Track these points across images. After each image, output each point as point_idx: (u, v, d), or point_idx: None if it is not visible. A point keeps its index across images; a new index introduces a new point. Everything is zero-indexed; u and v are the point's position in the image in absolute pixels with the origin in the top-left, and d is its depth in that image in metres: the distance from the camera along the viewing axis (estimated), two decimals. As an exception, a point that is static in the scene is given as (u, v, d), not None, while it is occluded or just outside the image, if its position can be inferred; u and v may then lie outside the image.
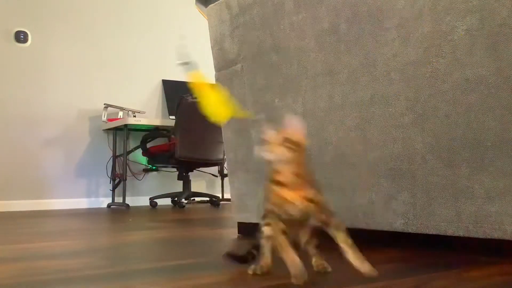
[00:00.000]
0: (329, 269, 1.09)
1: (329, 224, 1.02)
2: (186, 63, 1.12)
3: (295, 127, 0.98)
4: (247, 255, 1.12)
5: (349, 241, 1.02)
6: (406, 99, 1.36)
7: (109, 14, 4.47)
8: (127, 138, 4.02)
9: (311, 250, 1.11)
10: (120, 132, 4.15)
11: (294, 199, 0.98)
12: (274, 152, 0.95)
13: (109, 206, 4.19)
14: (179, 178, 4.17)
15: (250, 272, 1.05)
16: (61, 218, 2.98)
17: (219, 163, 4.23)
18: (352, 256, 1.00)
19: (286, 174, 0.97)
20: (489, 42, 1.19)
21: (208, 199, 4.31)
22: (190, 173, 4.20)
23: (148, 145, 4.09)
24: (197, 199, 4.51)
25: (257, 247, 1.09)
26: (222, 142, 1.93)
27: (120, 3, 4.52)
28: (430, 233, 1.35)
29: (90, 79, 4.32)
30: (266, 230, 1.03)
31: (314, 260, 1.11)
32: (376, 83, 1.42)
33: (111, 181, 4.24)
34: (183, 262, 1.13)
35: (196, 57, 4.94)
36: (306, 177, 0.99)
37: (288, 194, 0.98)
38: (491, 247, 1.50)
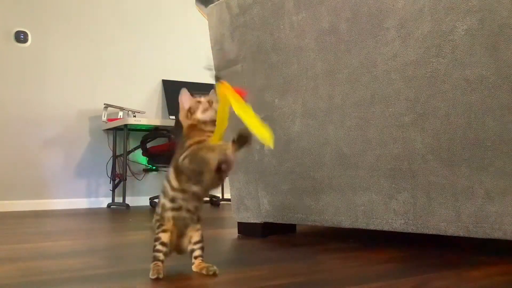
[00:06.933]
0: (217, 271, 1.08)
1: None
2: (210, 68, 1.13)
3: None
4: None
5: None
6: (406, 99, 1.36)
7: (109, 14, 4.47)
8: (127, 138, 4.02)
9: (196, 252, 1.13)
10: (120, 132, 4.15)
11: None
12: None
13: (109, 206, 4.19)
14: (179, 178, 4.17)
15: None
16: (61, 218, 2.98)
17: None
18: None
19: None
20: (489, 42, 1.19)
21: (208, 199, 4.32)
22: (190, 173, 4.19)
23: (148, 145, 4.09)
24: (197, 199, 4.49)
25: None
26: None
27: (120, 3, 4.52)
28: (430, 233, 1.35)
29: (90, 79, 4.32)
30: (163, 237, 1.08)
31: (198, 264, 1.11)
32: (376, 83, 1.42)
33: (111, 181, 4.24)
34: (183, 262, 1.13)
35: (196, 58, 4.91)
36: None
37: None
38: (491, 247, 1.51)
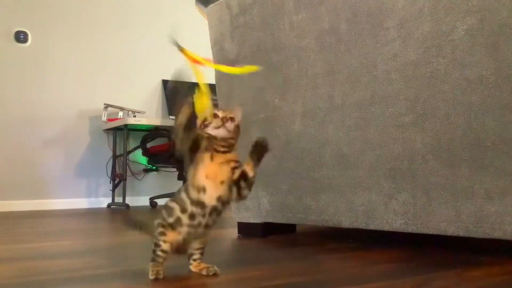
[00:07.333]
0: (218, 272, 1.08)
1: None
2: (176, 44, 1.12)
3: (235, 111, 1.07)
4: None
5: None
6: (406, 99, 1.36)
7: (109, 14, 4.47)
8: (127, 138, 4.02)
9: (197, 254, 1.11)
10: (120, 132, 4.15)
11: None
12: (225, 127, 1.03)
13: (109, 206, 4.19)
14: (179, 178, 4.17)
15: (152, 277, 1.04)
16: (61, 218, 2.98)
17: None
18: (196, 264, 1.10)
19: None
20: (489, 42, 1.19)
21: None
22: (190, 173, 4.19)
23: (148, 145, 4.09)
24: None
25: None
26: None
27: (120, 3, 4.52)
28: (430, 233, 1.35)
29: (90, 79, 4.32)
30: (164, 245, 1.06)
31: (196, 264, 1.11)
32: (376, 83, 1.42)
33: (111, 181, 4.24)
34: (183, 262, 1.13)
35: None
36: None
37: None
38: (491, 247, 1.51)
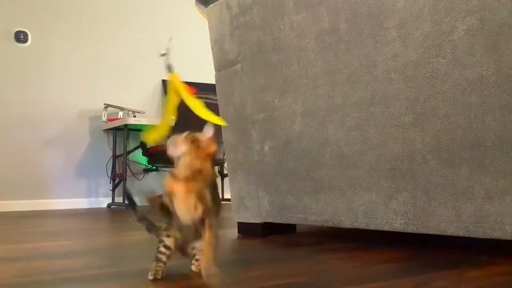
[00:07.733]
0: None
1: (204, 221, 1.02)
2: (165, 55, 1.18)
3: (206, 133, 1.07)
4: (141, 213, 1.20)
5: (212, 241, 0.99)
6: (406, 99, 1.36)
7: (109, 14, 4.47)
8: (127, 138, 4.02)
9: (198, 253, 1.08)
10: (120, 132, 4.15)
11: (182, 191, 1.00)
12: (177, 146, 1.02)
13: (109, 206, 4.19)
14: (179, 178, 4.17)
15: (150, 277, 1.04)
16: (61, 218, 2.98)
17: (219, 163, 4.22)
18: (204, 258, 0.99)
19: (182, 168, 1.01)
20: (489, 42, 1.19)
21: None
22: (190, 173, 4.20)
23: (148, 145, 4.09)
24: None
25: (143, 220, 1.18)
26: (222, 142, 1.93)
27: (120, 3, 4.52)
28: (430, 233, 1.35)
29: (90, 79, 4.32)
30: (167, 240, 1.05)
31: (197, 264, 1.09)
32: (376, 83, 1.42)
33: (111, 181, 4.24)
34: (183, 262, 1.13)
35: (197, 57, 4.90)
36: (203, 175, 1.02)
37: (179, 186, 1.00)
38: (491, 247, 1.51)
